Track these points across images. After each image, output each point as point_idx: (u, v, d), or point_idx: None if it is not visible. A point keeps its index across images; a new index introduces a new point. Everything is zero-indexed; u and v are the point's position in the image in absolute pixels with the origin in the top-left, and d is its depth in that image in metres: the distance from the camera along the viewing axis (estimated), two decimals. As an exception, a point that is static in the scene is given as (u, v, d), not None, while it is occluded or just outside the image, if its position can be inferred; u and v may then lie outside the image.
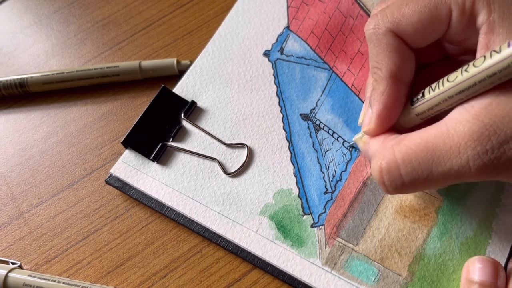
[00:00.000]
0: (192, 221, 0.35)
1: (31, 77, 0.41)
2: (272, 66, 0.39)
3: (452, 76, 0.27)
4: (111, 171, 0.37)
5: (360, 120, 0.33)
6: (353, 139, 0.33)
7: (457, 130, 0.26)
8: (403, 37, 0.29)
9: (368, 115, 0.31)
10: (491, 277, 0.29)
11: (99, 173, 0.38)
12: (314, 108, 0.38)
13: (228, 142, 0.37)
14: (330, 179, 0.35)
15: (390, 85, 0.29)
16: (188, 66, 0.40)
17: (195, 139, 0.37)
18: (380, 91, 0.30)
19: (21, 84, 0.41)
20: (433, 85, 0.28)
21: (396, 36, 0.29)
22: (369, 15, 0.40)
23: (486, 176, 0.26)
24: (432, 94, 0.28)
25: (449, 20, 0.28)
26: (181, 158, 0.37)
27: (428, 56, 0.33)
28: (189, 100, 0.38)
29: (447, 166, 0.26)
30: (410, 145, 0.27)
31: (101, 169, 0.39)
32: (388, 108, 0.30)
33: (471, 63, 0.26)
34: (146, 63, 0.41)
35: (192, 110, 0.38)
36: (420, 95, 0.29)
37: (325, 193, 0.34)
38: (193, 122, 0.38)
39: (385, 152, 0.28)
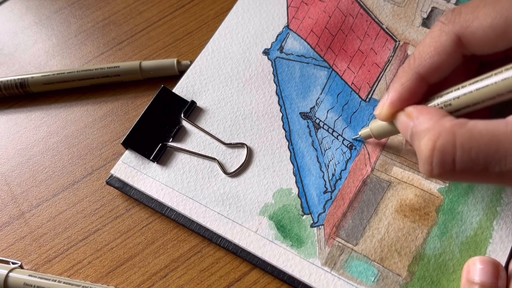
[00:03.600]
0: (192, 221, 0.35)
1: (32, 77, 0.41)
2: (272, 65, 0.39)
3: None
4: (112, 171, 0.37)
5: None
6: (376, 113, 0.32)
7: None
8: (469, 40, 0.29)
9: (383, 100, 0.31)
10: (491, 278, 0.29)
11: (100, 173, 0.38)
12: (314, 106, 0.37)
13: (228, 142, 0.37)
14: (330, 178, 0.35)
15: (412, 80, 0.30)
16: (188, 66, 0.40)
17: (195, 139, 0.37)
18: (401, 81, 0.30)
19: (22, 84, 0.41)
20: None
21: (457, 41, 0.29)
22: (369, 14, 0.40)
23: None
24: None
25: None
26: (181, 158, 0.37)
27: (490, 56, 0.31)
28: (189, 100, 0.38)
29: (507, 167, 0.25)
30: (474, 133, 0.25)
31: (102, 169, 0.39)
32: (402, 100, 0.30)
33: None
34: (147, 63, 0.41)
35: (191, 110, 0.38)
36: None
37: (325, 192, 0.34)
38: (192, 122, 0.38)
39: (443, 131, 0.26)
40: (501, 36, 0.28)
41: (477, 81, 0.27)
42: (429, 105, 0.29)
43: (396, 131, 0.32)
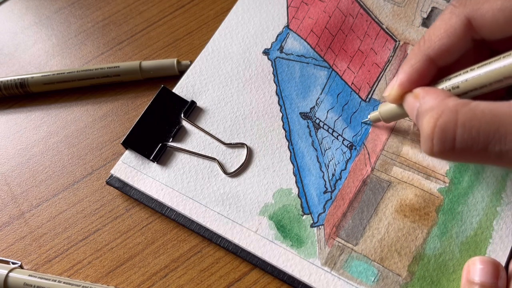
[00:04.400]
0: (192, 221, 0.35)
1: (32, 77, 0.41)
2: (272, 65, 0.39)
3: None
4: (112, 171, 0.37)
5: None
6: (386, 95, 0.33)
7: None
8: (479, 23, 0.29)
9: (393, 81, 0.31)
10: (492, 278, 0.29)
11: (100, 173, 0.38)
12: (314, 106, 0.37)
13: (228, 142, 0.37)
14: (330, 178, 0.35)
15: (421, 62, 0.30)
16: (188, 67, 0.40)
17: (195, 139, 0.37)
18: (411, 63, 0.30)
19: (22, 84, 0.41)
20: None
21: (467, 23, 0.29)
22: (369, 14, 0.40)
23: None
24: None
25: None
26: (180, 158, 0.37)
27: (501, 43, 0.31)
28: (189, 100, 0.38)
29: (507, 147, 0.25)
30: (476, 112, 0.26)
31: (102, 169, 0.39)
32: (411, 81, 0.30)
33: None
34: (147, 63, 0.41)
35: (191, 110, 0.38)
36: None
37: (325, 192, 0.34)
38: (192, 122, 0.38)
39: (446, 109, 0.27)
40: (511, 19, 0.28)
41: (485, 64, 0.28)
42: (437, 87, 0.30)
43: (404, 114, 0.32)
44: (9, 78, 0.41)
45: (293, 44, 0.40)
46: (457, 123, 0.26)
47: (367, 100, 0.37)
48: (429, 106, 0.28)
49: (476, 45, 0.31)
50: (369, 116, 0.36)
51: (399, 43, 0.39)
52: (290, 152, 0.36)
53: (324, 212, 0.34)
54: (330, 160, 0.35)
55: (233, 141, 0.37)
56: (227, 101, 0.38)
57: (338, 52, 0.39)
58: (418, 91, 0.30)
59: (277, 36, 0.40)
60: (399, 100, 0.31)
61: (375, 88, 0.38)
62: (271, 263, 0.33)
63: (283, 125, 0.37)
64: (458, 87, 0.29)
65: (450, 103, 0.27)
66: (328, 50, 0.39)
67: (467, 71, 0.29)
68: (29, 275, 0.33)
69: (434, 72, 0.31)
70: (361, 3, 0.41)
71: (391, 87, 0.31)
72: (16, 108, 0.42)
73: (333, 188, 0.34)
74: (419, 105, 0.29)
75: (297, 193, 0.35)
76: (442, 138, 0.26)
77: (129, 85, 0.42)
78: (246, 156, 0.36)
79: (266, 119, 0.37)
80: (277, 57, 0.40)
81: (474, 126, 0.26)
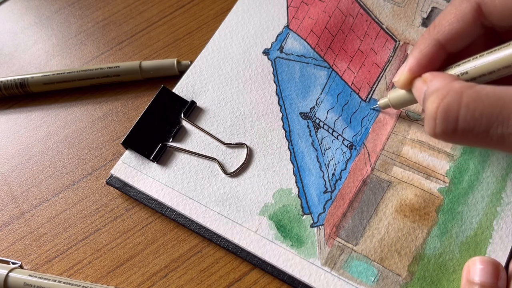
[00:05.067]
0: (192, 221, 0.35)
1: (32, 77, 0.41)
2: (272, 65, 0.39)
3: None
4: (112, 171, 0.37)
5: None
6: (396, 82, 0.33)
7: None
8: (488, 8, 0.29)
9: (402, 67, 0.31)
10: (491, 278, 0.29)
11: (100, 173, 0.38)
12: (314, 106, 0.37)
13: (228, 142, 0.37)
14: (330, 178, 0.35)
15: (431, 47, 0.30)
16: (188, 67, 0.40)
17: (195, 139, 0.37)
18: (420, 48, 0.31)
19: (22, 84, 0.41)
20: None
21: (477, 9, 0.29)
22: (369, 14, 0.40)
23: None
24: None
25: None
26: (180, 158, 0.37)
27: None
28: (189, 100, 0.38)
29: (509, 130, 0.25)
30: (481, 94, 0.26)
31: (102, 169, 0.39)
32: (420, 66, 0.30)
33: None
34: (147, 63, 0.41)
35: (191, 110, 0.38)
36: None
37: (325, 192, 0.34)
38: (192, 122, 0.38)
39: (451, 90, 0.27)
40: None
41: (494, 51, 0.28)
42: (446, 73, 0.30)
43: (413, 100, 0.32)
44: (9, 78, 0.41)
45: (293, 44, 0.40)
46: (461, 104, 0.26)
47: (367, 100, 0.37)
48: (435, 87, 0.28)
49: (487, 34, 0.31)
50: (378, 103, 0.36)
51: (399, 43, 0.39)
52: (290, 152, 0.36)
53: (324, 212, 0.34)
54: (330, 160, 0.35)
55: (233, 141, 0.37)
56: (227, 101, 0.38)
57: (338, 52, 0.39)
58: (427, 75, 0.30)
59: (277, 36, 0.40)
60: (409, 85, 0.32)
61: (375, 88, 0.38)
62: (271, 263, 0.33)
63: (283, 125, 0.37)
64: (466, 72, 0.29)
65: (456, 85, 0.27)
66: (328, 50, 0.39)
67: (476, 57, 0.29)
68: (29, 275, 0.33)
69: (443, 58, 0.31)
70: (361, 3, 0.41)
71: (401, 72, 0.32)
72: (16, 108, 0.42)
73: (333, 188, 0.34)
74: (427, 88, 0.29)
75: (297, 193, 0.35)
76: (445, 118, 0.27)
77: (129, 85, 0.42)
78: (246, 156, 0.36)
79: (266, 119, 0.37)
80: (277, 57, 0.40)
81: (478, 107, 0.26)
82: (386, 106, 0.35)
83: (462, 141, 0.28)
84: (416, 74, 0.31)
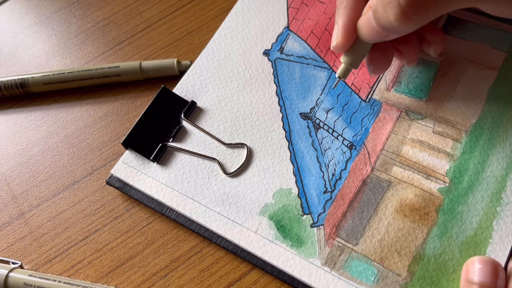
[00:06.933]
0: (192, 221, 0.35)
1: (32, 77, 0.41)
2: (272, 65, 0.39)
3: None
4: (112, 171, 0.37)
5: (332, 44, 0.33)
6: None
7: None
8: None
9: (335, 31, 0.32)
10: (490, 278, 0.29)
11: (100, 173, 0.38)
12: (314, 107, 0.38)
13: (228, 142, 0.37)
14: (330, 178, 0.35)
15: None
16: (188, 67, 0.41)
17: (195, 139, 0.37)
18: (343, 6, 0.31)
19: (22, 84, 0.41)
20: None
21: None
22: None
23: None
24: None
25: None
26: (181, 158, 0.37)
27: None
28: (189, 100, 0.38)
29: None
30: None
31: (102, 169, 0.39)
32: (352, 20, 0.31)
33: None
34: (147, 63, 0.41)
35: (192, 110, 0.38)
36: None
37: (325, 192, 0.34)
38: (193, 122, 0.38)
39: None
40: None
41: None
42: None
43: (365, 46, 0.32)
44: (9, 78, 0.41)
45: (294, 45, 0.40)
46: None
47: (367, 100, 0.37)
48: None
49: None
50: (336, 75, 0.34)
51: (399, 44, 0.39)
52: (290, 152, 0.36)
53: (324, 212, 0.34)
54: (330, 160, 0.35)
55: (233, 141, 0.37)
56: (227, 101, 0.38)
57: (338, 53, 0.39)
58: (366, 8, 0.30)
59: (278, 37, 0.41)
60: (349, 43, 0.31)
61: (375, 89, 0.38)
62: (271, 263, 0.33)
63: (283, 126, 0.37)
64: None
65: None
66: (328, 51, 0.39)
67: None
68: (29, 275, 0.33)
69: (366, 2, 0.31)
70: (361, 3, 0.41)
71: (336, 35, 0.31)
72: (16, 108, 0.42)
73: (333, 188, 0.34)
74: (371, 11, 0.29)
75: (297, 193, 0.35)
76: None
77: (129, 85, 0.42)
78: (246, 156, 0.36)
79: (266, 119, 0.37)
80: (277, 58, 0.40)
81: None
82: (347, 71, 0.33)
83: (418, 18, 0.27)
84: (352, 28, 0.31)
